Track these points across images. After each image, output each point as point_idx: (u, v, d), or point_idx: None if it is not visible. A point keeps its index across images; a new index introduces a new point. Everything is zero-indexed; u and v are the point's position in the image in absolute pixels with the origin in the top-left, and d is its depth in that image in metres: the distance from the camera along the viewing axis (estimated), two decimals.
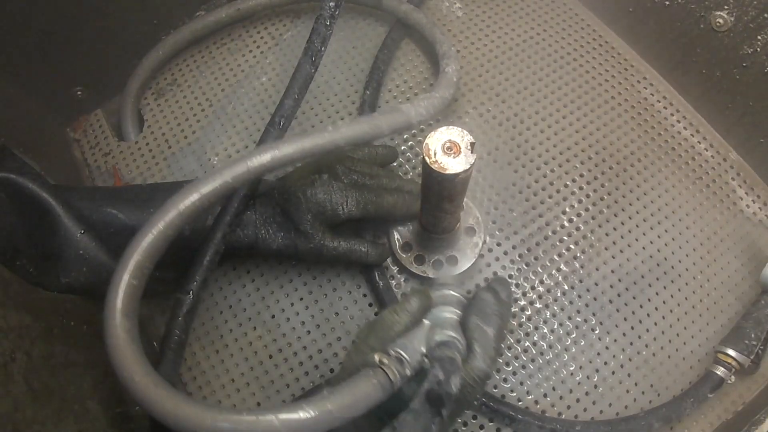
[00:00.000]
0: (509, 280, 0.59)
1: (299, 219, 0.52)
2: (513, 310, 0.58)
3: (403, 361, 0.39)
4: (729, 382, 0.54)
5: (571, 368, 0.56)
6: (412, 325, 0.42)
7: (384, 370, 0.38)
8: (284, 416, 0.35)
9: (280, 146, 0.45)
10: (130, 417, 0.55)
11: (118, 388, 0.54)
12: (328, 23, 0.50)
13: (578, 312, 0.58)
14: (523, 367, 0.56)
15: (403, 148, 0.66)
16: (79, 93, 0.72)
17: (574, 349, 0.57)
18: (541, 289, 0.59)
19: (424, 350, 0.41)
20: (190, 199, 0.43)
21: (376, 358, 0.39)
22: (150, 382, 0.38)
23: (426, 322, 0.43)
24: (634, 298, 0.59)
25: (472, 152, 0.38)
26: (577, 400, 0.55)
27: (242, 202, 0.51)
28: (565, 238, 0.61)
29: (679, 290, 0.59)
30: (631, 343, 0.57)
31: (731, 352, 0.53)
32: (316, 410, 0.35)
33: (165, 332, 0.48)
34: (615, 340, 0.57)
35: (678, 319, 0.58)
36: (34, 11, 0.61)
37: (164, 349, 0.48)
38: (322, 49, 0.51)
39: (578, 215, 0.62)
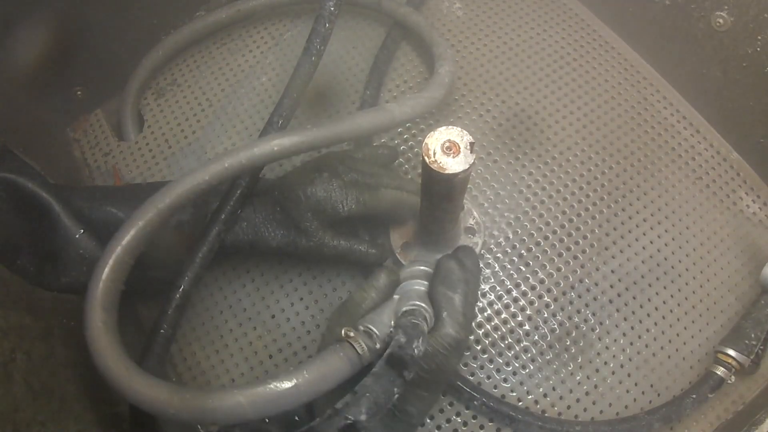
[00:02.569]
0: (474, 249, 0.58)
1: (299, 217, 0.52)
2: (512, 309, 0.58)
3: (372, 335, 0.39)
4: (729, 382, 0.54)
5: (571, 368, 0.56)
6: (381, 300, 0.42)
7: (351, 344, 0.38)
8: (250, 392, 0.36)
9: (258, 144, 0.46)
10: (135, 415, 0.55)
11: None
12: (328, 23, 0.50)
13: (578, 312, 0.58)
14: (523, 367, 0.56)
15: (403, 148, 0.66)
16: (79, 93, 0.72)
17: (573, 349, 0.57)
18: (541, 289, 0.59)
19: (393, 323, 0.41)
20: (169, 197, 0.44)
21: (342, 332, 0.39)
22: (123, 367, 0.39)
23: (396, 296, 0.43)
24: (634, 298, 0.59)
25: (471, 152, 0.38)
26: (577, 400, 0.55)
27: (238, 201, 0.51)
28: (564, 238, 0.61)
29: (679, 290, 0.59)
30: (631, 343, 0.57)
31: (731, 352, 0.53)
32: (283, 385, 0.36)
33: (152, 326, 0.48)
34: (615, 340, 0.57)
35: (678, 319, 0.58)
36: (34, 11, 0.61)
37: (150, 343, 0.48)
38: (322, 48, 0.51)
39: (578, 215, 0.62)
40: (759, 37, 0.60)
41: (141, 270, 0.45)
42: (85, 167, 0.71)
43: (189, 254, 0.50)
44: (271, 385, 0.36)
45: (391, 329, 0.40)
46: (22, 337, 0.46)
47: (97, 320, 0.40)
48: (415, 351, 0.38)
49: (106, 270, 0.42)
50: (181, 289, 0.49)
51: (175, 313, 0.49)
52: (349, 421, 0.34)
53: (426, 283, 0.45)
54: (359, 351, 0.38)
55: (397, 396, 0.36)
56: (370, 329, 0.39)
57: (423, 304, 0.42)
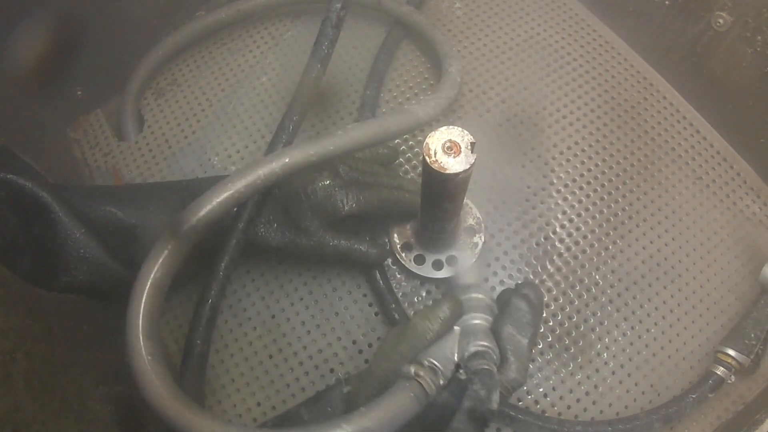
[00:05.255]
0: (538, 285, 0.58)
1: (300, 216, 0.52)
2: None
3: (437, 371, 0.39)
4: (729, 382, 0.54)
5: (571, 368, 0.56)
6: (443, 332, 0.41)
7: (420, 383, 0.38)
8: None
9: (290, 153, 0.45)
10: (136, 415, 0.55)
11: (122, 389, 0.54)
12: (335, 23, 0.49)
13: (578, 312, 0.58)
14: None
15: (403, 148, 0.66)
16: (79, 93, 0.72)
17: (573, 349, 0.57)
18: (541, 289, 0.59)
19: (456, 359, 0.40)
20: (203, 211, 0.43)
21: (412, 370, 0.38)
22: (179, 404, 0.38)
23: (456, 328, 0.42)
24: (634, 298, 0.59)
25: (472, 152, 0.38)
26: (577, 400, 0.55)
27: (254, 209, 0.51)
28: (565, 238, 0.61)
29: (679, 290, 0.59)
30: (631, 343, 0.57)
31: (731, 352, 0.53)
32: (356, 427, 0.35)
33: (186, 343, 0.48)
34: (615, 340, 0.57)
35: (678, 319, 0.58)
36: (34, 11, 0.61)
37: (187, 361, 0.48)
38: (330, 52, 0.51)
39: (578, 215, 0.62)
40: (759, 37, 0.60)
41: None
42: (85, 167, 0.70)
43: (209, 265, 0.50)
44: (345, 428, 0.35)
45: (456, 366, 0.40)
46: (22, 337, 0.46)
47: (144, 352, 0.39)
48: (495, 405, 0.37)
49: (144, 296, 0.41)
50: (209, 303, 0.48)
51: (207, 327, 0.49)
52: None
53: (486, 317, 0.44)
54: (428, 390, 0.38)
55: None
56: (435, 365, 0.39)
57: (491, 345, 0.41)
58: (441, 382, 0.39)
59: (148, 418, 0.53)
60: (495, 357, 0.41)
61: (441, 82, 0.60)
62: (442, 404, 0.40)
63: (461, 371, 0.40)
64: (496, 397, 0.37)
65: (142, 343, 0.40)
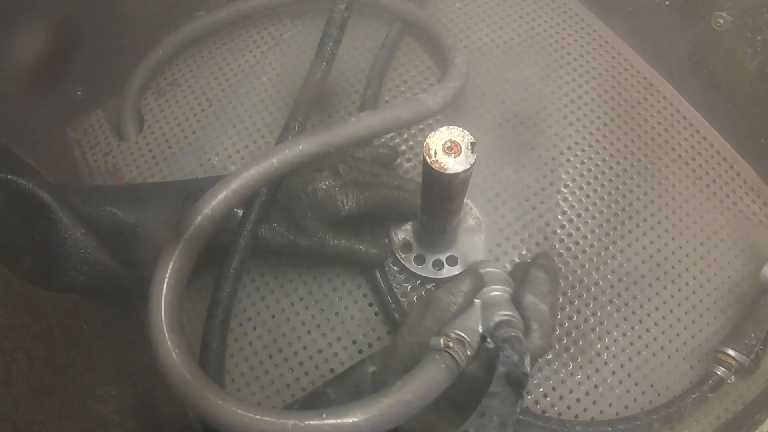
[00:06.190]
0: (551, 255, 0.58)
1: (300, 216, 0.52)
2: None
3: (464, 342, 0.40)
4: (729, 382, 0.54)
5: (571, 368, 0.56)
6: (465, 305, 0.42)
7: (451, 354, 0.39)
8: (364, 411, 0.35)
9: (303, 141, 0.45)
10: (136, 415, 0.55)
11: (122, 389, 0.54)
12: (339, 23, 0.49)
13: (578, 312, 0.58)
14: None
15: (403, 148, 0.66)
16: (79, 93, 0.72)
17: (573, 349, 0.57)
18: None
19: (480, 330, 0.41)
20: (217, 200, 0.43)
21: (441, 341, 0.39)
22: (217, 397, 0.37)
23: (477, 301, 0.43)
24: (634, 298, 0.59)
25: (472, 152, 0.38)
26: (577, 400, 0.55)
27: (262, 208, 0.51)
28: (564, 238, 0.61)
29: (680, 290, 0.59)
30: (631, 344, 0.57)
31: (731, 352, 0.53)
32: (394, 401, 0.36)
33: (202, 345, 0.48)
34: (615, 340, 0.57)
35: (678, 320, 0.58)
36: (34, 11, 0.61)
37: (203, 363, 0.48)
38: (334, 52, 0.50)
39: (578, 215, 0.62)
40: (759, 37, 0.60)
41: (140, 270, 0.45)
42: (85, 167, 0.70)
43: (219, 266, 0.50)
44: (384, 402, 0.36)
45: (480, 337, 0.41)
46: (22, 337, 0.46)
47: (170, 345, 0.38)
48: (528, 369, 0.38)
49: (164, 289, 0.40)
50: (222, 305, 0.49)
51: (222, 329, 0.49)
52: None
53: (505, 288, 0.45)
54: (459, 361, 0.39)
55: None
56: (462, 337, 0.40)
57: (514, 314, 0.42)
58: (469, 353, 0.40)
59: (148, 418, 0.53)
60: (520, 325, 0.42)
61: (448, 73, 0.60)
62: (470, 376, 0.41)
63: (488, 341, 0.41)
64: (528, 361, 0.38)
65: (167, 335, 0.39)
